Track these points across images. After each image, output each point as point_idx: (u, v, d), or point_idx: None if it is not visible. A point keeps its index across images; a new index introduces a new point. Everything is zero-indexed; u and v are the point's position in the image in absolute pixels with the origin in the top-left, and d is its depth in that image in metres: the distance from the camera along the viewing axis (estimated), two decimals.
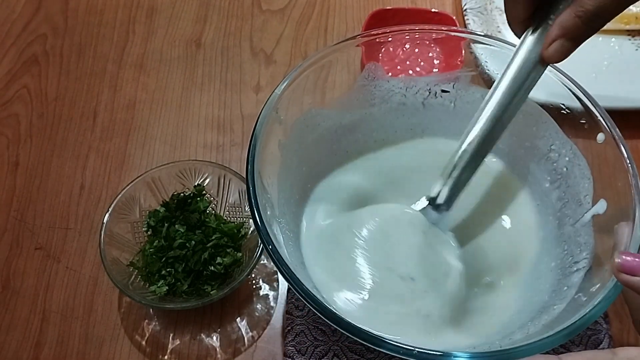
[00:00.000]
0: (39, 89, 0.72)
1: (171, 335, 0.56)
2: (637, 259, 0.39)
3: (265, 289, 0.59)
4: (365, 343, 0.39)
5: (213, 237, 0.56)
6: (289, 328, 0.54)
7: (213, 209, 0.60)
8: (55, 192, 0.65)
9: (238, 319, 0.57)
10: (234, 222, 0.58)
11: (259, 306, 0.58)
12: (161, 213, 0.57)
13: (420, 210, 0.52)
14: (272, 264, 0.59)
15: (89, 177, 0.66)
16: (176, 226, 0.57)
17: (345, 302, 0.49)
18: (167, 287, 0.54)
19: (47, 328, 0.57)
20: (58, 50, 0.76)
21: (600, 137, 0.48)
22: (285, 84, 0.50)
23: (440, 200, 0.51)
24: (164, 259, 0.55)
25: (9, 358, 0.55)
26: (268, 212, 0.46)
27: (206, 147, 0.68)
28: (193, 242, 0.55)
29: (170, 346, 0.56)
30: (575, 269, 0.47)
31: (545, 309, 0.45)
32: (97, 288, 0.59)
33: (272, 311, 0.57)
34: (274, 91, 0.50)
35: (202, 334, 0.56)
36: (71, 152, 0.68)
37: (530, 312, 0.47)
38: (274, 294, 0.58)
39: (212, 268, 0.55)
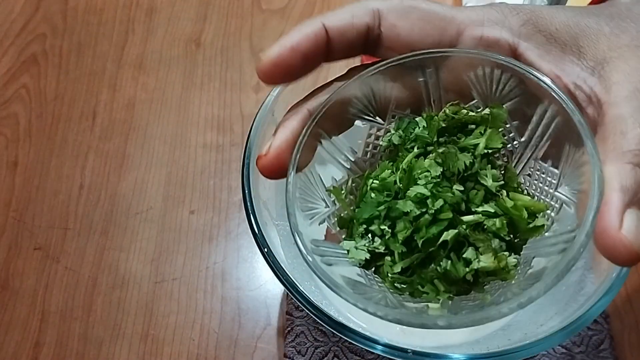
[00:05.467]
0: (38, 88, 0.72)
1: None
2: None
3: (265, 289, 0.58)
4: (356, 343, 0.39)
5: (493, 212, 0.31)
6: (289, 329, 0.54)
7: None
8: (54, 192, 0.65)
9: (238, 319, 0.57)
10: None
11: (259, 306, 0.58)
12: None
13: None
14: None
15: (88, 177, 0.66)
16: (426, 160, 0.33)
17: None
18: (368, 255, 0.33)
19: (46, 328, 0.57)
20: (57, 50, 0.76)
21: None
22: (281, 86, 0.50)
23: None
24: (384, 207, 0.33)
25: (8, 358, 0.55)
26: (265, 213, 0.46)
27: (206, 147, 0.68)
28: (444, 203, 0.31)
29: (170, 346, 0.56)
30: (573, 268, 0.46)
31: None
32: (96, 288, 0.59)
33: (272, 311, 0.57)
34: (270, 93, 0.50)
35: (201, 334, 0.56)
36: (70, 152, 0.68)
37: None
38: (274, 294, 0.58)
39: (453, 266, 0.31)
